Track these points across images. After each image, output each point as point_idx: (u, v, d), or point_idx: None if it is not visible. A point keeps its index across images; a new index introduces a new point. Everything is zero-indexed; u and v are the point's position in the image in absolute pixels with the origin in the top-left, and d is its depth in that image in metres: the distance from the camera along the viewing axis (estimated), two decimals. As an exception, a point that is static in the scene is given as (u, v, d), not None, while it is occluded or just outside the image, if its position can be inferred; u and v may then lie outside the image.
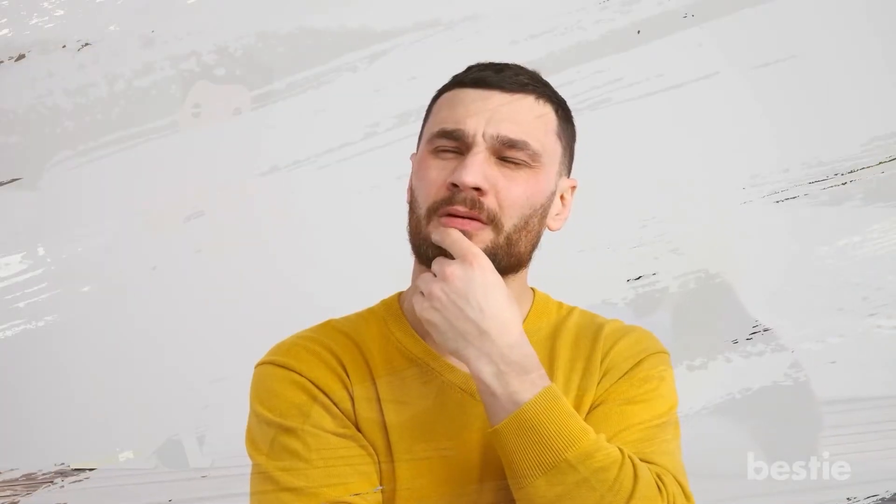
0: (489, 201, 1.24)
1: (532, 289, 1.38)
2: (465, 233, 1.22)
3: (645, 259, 2.16)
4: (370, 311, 1.37)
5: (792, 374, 2.29)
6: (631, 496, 1.15)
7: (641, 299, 2.09)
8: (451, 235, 1.21)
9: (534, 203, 1.27)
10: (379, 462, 1.25)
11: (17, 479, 1.89)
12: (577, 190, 1.35)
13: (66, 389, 2.07)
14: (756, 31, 2.15)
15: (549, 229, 1.32)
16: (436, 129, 1.27)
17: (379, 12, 2.09)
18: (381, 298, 1.39)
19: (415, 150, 1.34)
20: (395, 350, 1.31)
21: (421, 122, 1.35)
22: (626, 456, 1.17)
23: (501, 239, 1.25)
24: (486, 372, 1.18)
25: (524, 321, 1.33)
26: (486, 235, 1.24)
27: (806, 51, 2.10)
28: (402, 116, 1.78)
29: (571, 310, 1.39)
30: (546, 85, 1.31)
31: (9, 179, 1.95)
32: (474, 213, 1.23)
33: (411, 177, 1.31)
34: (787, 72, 2.04)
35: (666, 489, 1.18)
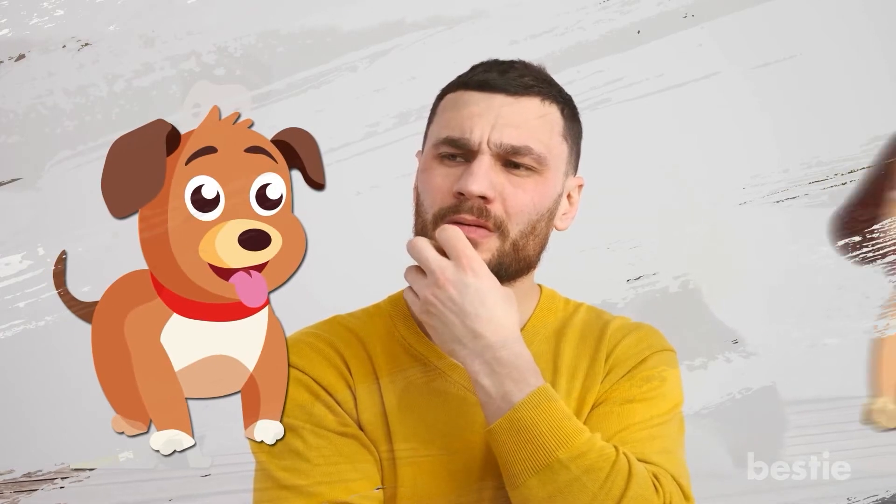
0: (496, 208, 1.23)
1: (539, 285, 1.37)
2: (471, 241, 1.21)
3: (645, 259, 2.15)
4: (377, 307, 1.37)
5: (791, 374, 2.28)
6: (623, 495, 1.15)
7: (641, 299, 2.09)
8: (446, 231, 1.21)
9: (540, 208, 1.26)
10: (381, 461, 1.25)
11: (17, 479, 1.89)
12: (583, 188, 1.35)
13: (66, 389, 2.07)
14: (756, 31, 2.15)
15: (557, 229, 1.31)
16: (441, 135, 1.26)
17: (379, 12, 2.09)
18: (380, 298, 1.39)
19: (420, 148, 1.34)
20: (399, 347, 1.31)
21: (421, 121, 1.34)
22: (621, 455, 1.17)
23: (507, 245, 1.24)
24: (481, 372, 1.18)
25: (530, 319, 1.33)
26: (493, 243, 1.24)
27: (806, 51, 2.09)
28: (402, 116, 1.78)
29: (578, 306, 1.38)
30: (551, 84, 1.30)
31: (9, 179, 1.95)
32: (481, 220, 1.23)
33: (417, 176, 1.31)
34: (787, 72, 2.04)
35: (662, 489, 1.18)
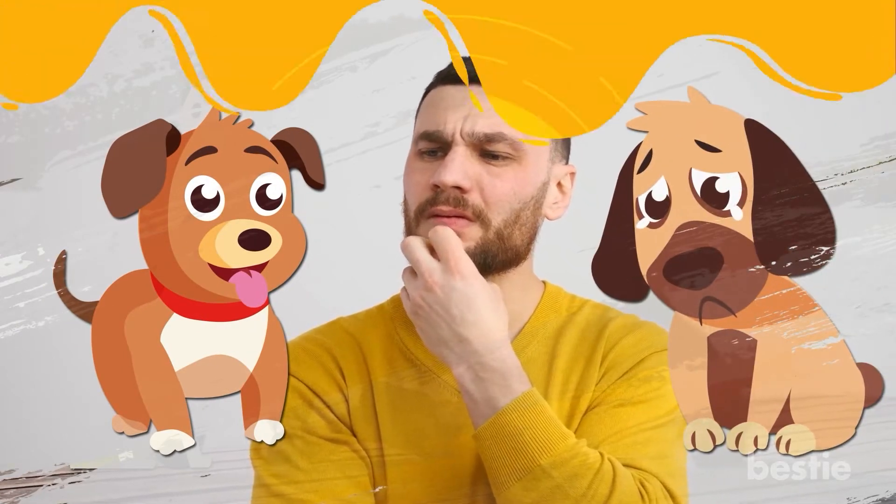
0: (473, 198, 1.24)
1: (544, 282, 1.36)
2: None
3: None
4: (380, 308, 1.37)
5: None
6: (606, 503, 1.14)
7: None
8: (438, 233, 1.21)
9: (522, 196, 1.26)
10: (372, 466, 1.25)
11: (17, 479, 1.89)
12: (576, 177, 1.34)
13: (66, 389, 2.07)
14: (756, 31, 2.15)
15: (548, 219, 1.31)
16: (419, 131, 1.27)
17: (379, 12, 2.09)
18: (380, 299, 1.39)
19: (412, 148, 1.34)
20: (397, 350, 1.31)
21: (419, 122, 1.35)
22: (605, 462, 1.16)
23: (491, 234, 1.24)
24: (466, 377, 1.18)
25: (529, 319, 1.32)
26: (475, 232, 1.24)
27: (806, 51, 2.09)
28: (402, 116, 1.78)
29: (583, 304, 1.37)
30: None
31: (9, 179, 1.95)
32: (458, 210, 1.23)
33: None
34: (787, 72, 2.03)
35: (648, 496, 1.17)
